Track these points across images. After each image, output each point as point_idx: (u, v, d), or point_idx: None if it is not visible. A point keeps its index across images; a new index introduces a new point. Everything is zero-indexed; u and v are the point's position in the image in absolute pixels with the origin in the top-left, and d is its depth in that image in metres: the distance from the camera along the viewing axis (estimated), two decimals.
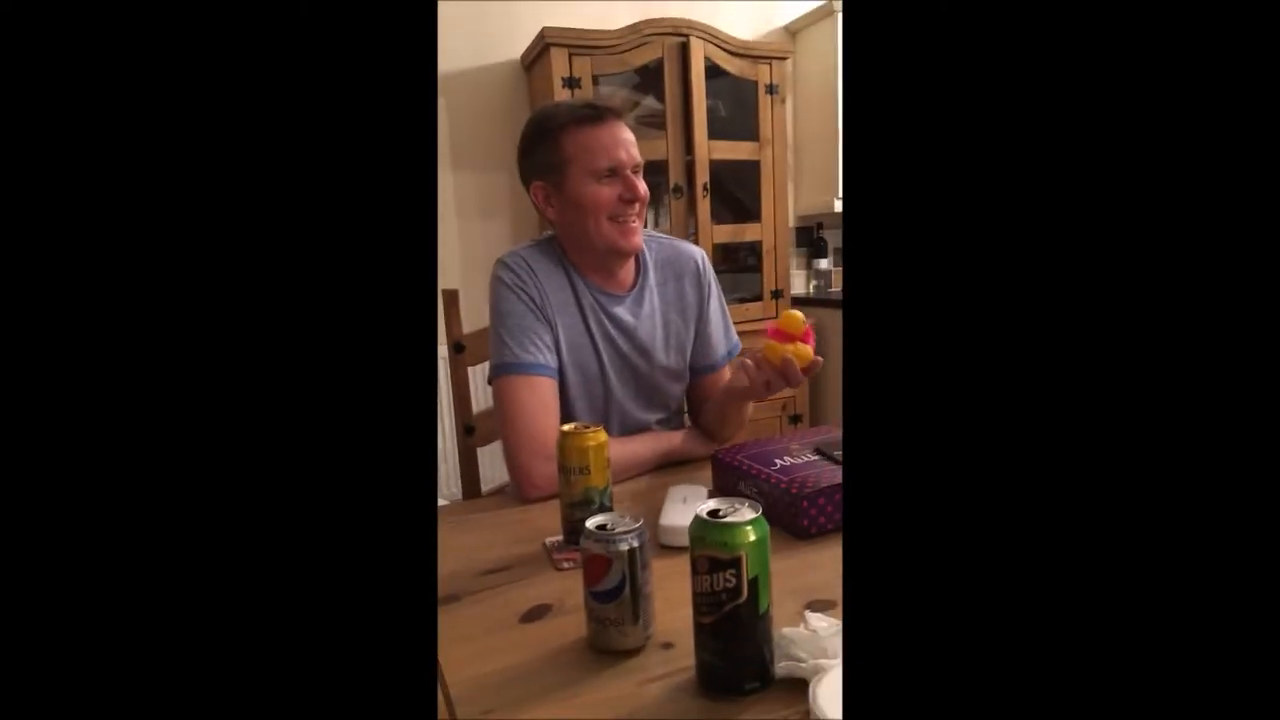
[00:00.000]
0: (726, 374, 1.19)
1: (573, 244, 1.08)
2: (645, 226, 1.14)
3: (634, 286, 1.12)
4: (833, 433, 0.97)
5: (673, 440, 1.08)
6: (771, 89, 2.34)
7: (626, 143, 1.03)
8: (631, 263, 1.12)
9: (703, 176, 2.25)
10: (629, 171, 1.03)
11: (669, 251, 1.16)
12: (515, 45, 2.29)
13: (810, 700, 0.42)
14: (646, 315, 1.11)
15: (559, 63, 2.06)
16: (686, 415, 1.25)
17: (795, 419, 2.47)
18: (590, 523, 0.58)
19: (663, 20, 2.16)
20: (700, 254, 1.18)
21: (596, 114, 1.02)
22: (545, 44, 2.06)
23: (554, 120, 1.03)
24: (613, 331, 1.09)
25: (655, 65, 2.18)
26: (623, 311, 1.09)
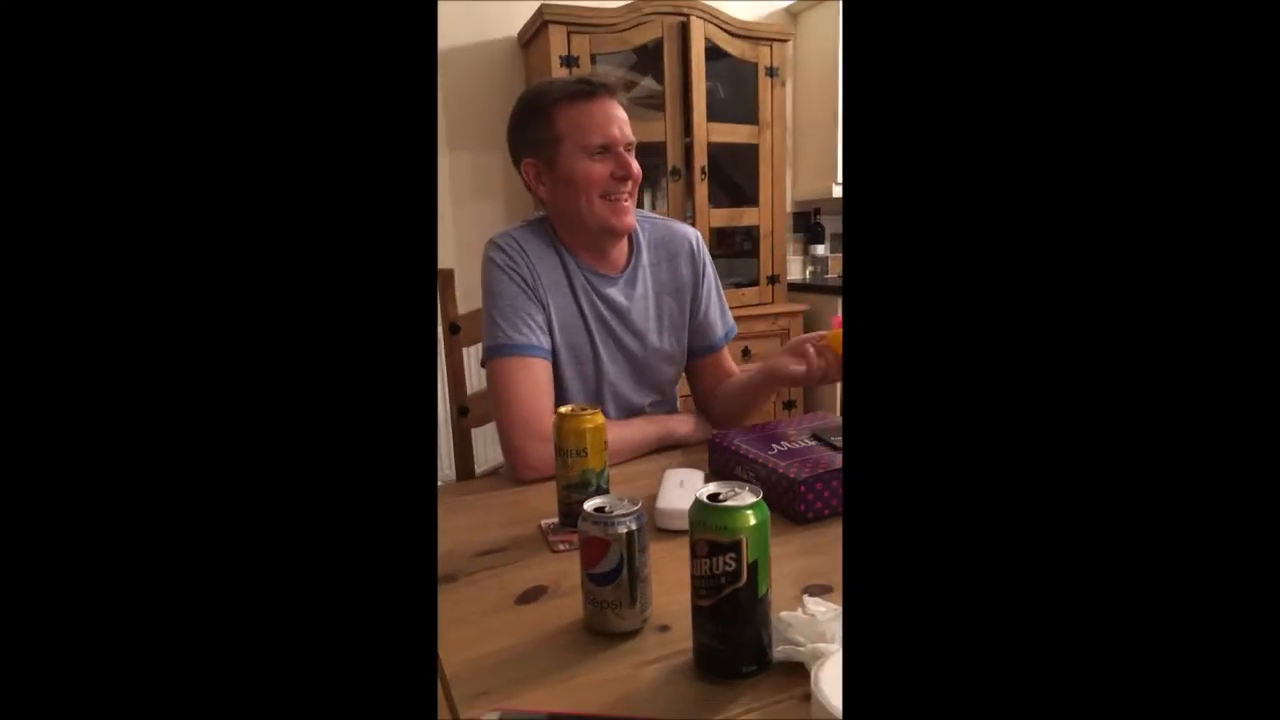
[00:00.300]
0: (726, 355, 1.19)
1: (564, 223, 1.07)
2: (641, 209, 1.13)
3: (627, 267, 1.10)
4: (829, 418, 0.97)
5: (670, 424, 1.08)
6: (771, 71, 2.32)
7: (620, 119, 1.01)
8: (624, 243, 1.11)
9: (701, 159, 2.23)
10: (621, 149, 1.01)
11: (663, 232, 1.15)
12: (512, 22, 2.26)
13: (813, 685, 0.42)
14: (640, 296, 1.10)
15: (557, 40, 2.03)
16: (687, 398, 1.24)
17: (789, 405, 2.48)
18: (589, 505, 0.58)
19: None
20: (694, 234, 1.17)
21: (590, 90, 1.01)
22: (543, 21, 2.03)
23: (546, 96, 1.02)
24: (605, 313, 1.08)
25: (654, 45, 2.16)
26: (615, 293, 1.08)
